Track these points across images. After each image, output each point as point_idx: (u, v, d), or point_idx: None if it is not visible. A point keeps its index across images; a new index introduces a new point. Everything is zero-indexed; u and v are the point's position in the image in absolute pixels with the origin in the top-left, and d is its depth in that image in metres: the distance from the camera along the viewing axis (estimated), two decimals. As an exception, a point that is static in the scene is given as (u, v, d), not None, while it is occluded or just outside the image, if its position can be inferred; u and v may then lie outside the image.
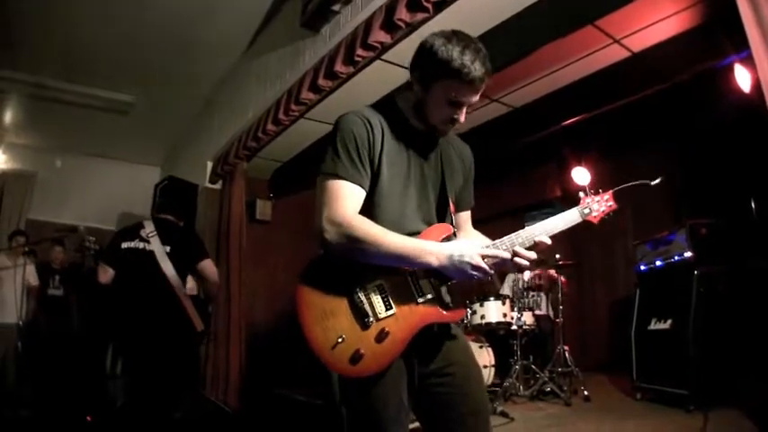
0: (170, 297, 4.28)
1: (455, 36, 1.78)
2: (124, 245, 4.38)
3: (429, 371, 1.86)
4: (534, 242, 1.84)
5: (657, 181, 2.03)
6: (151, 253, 4.33)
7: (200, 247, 4.65)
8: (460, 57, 1.72)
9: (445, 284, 1.84)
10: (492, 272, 1.75)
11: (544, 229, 1.87)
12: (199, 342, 4.55)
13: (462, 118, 1.86)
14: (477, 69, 1.74)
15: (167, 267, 4.30)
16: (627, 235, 7.38)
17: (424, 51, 1.82)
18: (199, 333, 4.42)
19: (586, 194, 1.98)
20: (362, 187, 1.80)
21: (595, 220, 1.97)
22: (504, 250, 1.81)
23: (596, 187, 2.01)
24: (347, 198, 1.76)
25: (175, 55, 7.53)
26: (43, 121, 9.35)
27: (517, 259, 1.81)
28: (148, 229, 4.42)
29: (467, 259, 1.71)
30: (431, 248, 1.74)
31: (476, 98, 1.83)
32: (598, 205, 1.97)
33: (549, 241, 1.86)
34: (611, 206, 1.98)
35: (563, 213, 1.94)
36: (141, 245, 4.36)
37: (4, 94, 8.40)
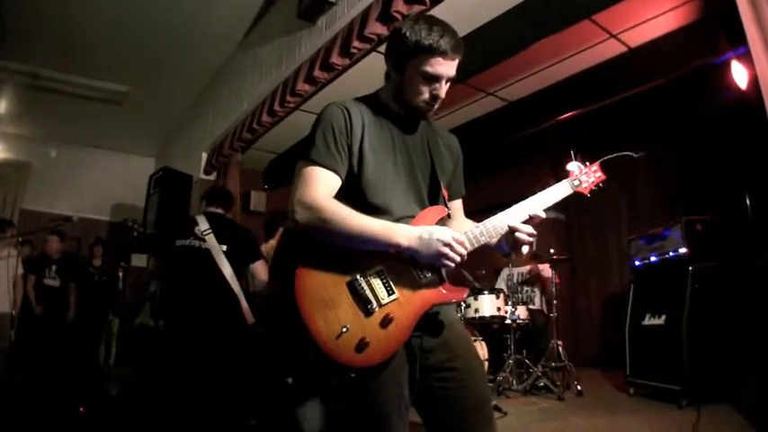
0: (226, 294, 4.33)
1: (421, 18, 1.84)
2: (178, 242, 4.42)
3: (431, 364, 1.83)
4: (529, 216, 1.86)
5: (641, 154, 2.08)
6: (207, 251, 4.36)
7: (255, 249, 4.68)
8: (428, 34, 1.76)
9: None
10: (464, 253, 1.74)
11: (537, 203, 1.89)
12: (251, 334, 4.61)
13: (442, 93, 1.87)
14: (446, 41, 1.77)
15: (225, 266, 4.36)
16: (621, 230, 7.39)
17: (394, 37, 1.87)
18: (250, 326, 4.47)
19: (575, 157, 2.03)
20: (337, 173, 1.81)
21: (586, 191, 2.01)
22: (499, 226, 1.84)
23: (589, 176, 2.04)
24: (319, 182, 1.77)
25: (171, 45, 7.50)
26: (38, 111, 9.32)
27: (517, 234, 1.84)
28: (203, 226, 4.44)
29: (436, 236, 1.70)
30: (401, 229, 1.73)
31: (451, 71, 1.84)
32: (587, 177, 2.01)
33: (543, 214, 1.87)
34: (599, 177, 2.03)
35: (554, 186, 1.96)
36: (197, 243, 4.40)
37: (-2, 84, 8.37)
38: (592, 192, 2.02)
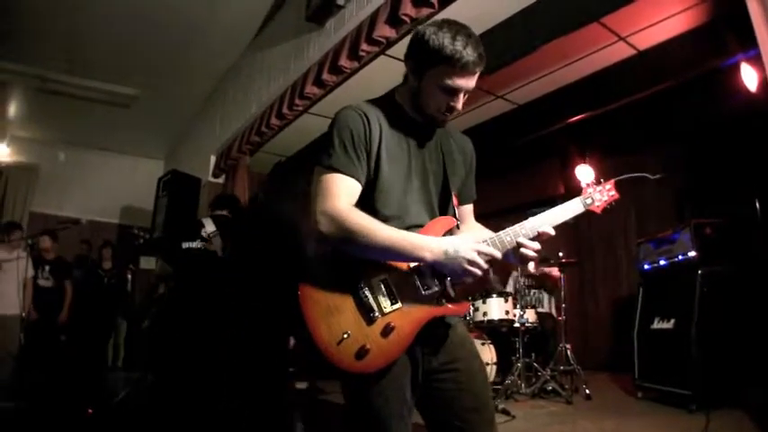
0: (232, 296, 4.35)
1: (446, 24, 1.77)
2: (185, 245, 4.47)
3: (433, 367, 1.83)
4: (538, 233, 1.84)
5: (658, 176, 2.05)
6: (213, 253, 4.42)
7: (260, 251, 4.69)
8: (452, 43, 1.71)
9: (446, 279, 1.81)
10: (487, 267, 1.73)
11: (547, 220, 1.87)
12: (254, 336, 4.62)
13: (459, 105, 1.84)
14: (468, 54, 1.72)
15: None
16: (630, 234, 7.36)
17: (416, 41, 1.81)
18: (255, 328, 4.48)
19: (588, 185, 1.98)
20: (358, 180, 1.78)
21: (598, 210, 1.97)
22: (508, 241, 1.81)
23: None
24: (341, 190, 1.75)
25: (179, 48, 7.53)
26: (46, 114, 9.38)
27: (522, 250, 1.81)
28: (209, 228, 4.49)
29: (462, 254, 1.68)
30: (426, 243, 1.72)
31: (471, 84, 1.81)
32: (600, 195, 1.97)
33: (552, 232, 1.85)
34: (613, 196, 1.98)
35: (566, 203, 1.93)
36: (203, 245, 4.45)
37: (6, 87, 8.40)
38: (604, 210, 1.98)
